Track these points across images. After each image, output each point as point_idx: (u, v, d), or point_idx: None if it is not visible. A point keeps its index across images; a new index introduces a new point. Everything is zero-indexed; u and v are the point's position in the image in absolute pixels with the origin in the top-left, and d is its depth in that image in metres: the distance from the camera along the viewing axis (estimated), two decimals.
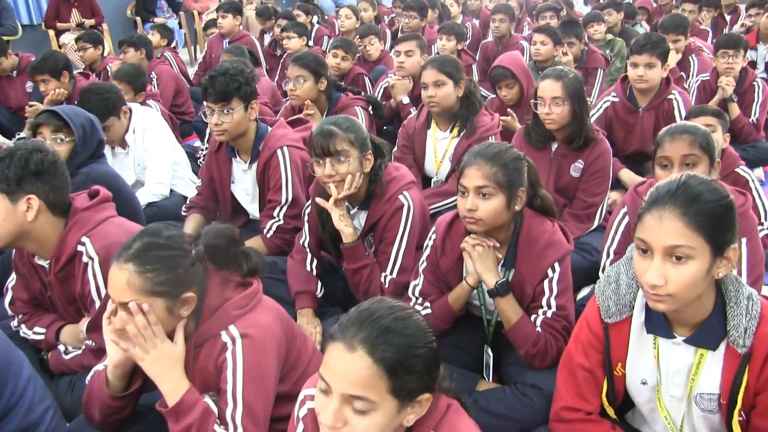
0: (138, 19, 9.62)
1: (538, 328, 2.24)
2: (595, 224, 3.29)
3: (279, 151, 3.13)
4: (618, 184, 3.87)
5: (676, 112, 3.89)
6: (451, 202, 3.37)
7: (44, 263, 2.40)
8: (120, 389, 1.87)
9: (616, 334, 1.82)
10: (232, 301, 1.86)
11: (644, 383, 1.82)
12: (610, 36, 6.45)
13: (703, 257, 1.53)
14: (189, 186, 4.09)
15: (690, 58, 5.44)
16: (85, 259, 2.28)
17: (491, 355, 2.46)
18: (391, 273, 2.64)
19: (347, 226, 2.61)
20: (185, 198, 3.90)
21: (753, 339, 1.61)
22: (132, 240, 1.78)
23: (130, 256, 1.72)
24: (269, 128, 3.26)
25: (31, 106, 4.94)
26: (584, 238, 3.20)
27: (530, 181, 2.30)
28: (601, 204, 3.31)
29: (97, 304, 2.30)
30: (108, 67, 6.09)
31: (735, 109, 4.55)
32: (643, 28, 7.48)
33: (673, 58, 5.09)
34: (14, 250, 2.55)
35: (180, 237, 1.83)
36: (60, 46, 8.29)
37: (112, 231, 2.35)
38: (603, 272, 2.44)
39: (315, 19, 7.88)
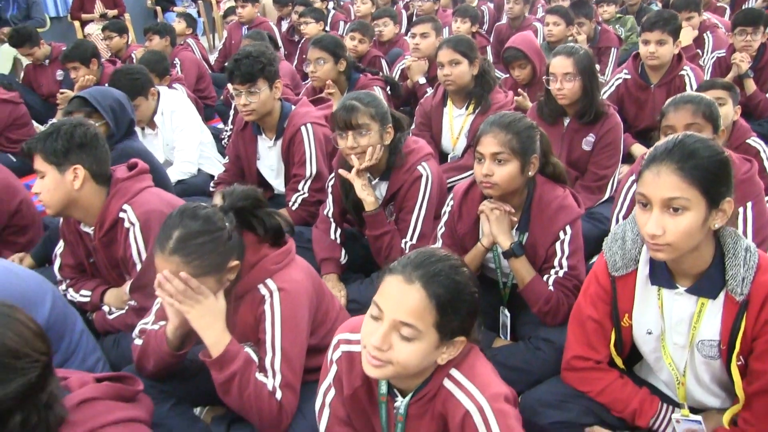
0: (158, 8, 9.78)
1: (551, 287, 2.37)
2: (606, 195, 3.41)
3: (303, 128, 3.27)
4: (630, 159, 3.96)
5: (687, 88, 3.97)
6: (468, 175, 3.49)
7: (89, 230, 2.57)
8: (177, 348, 1.99)
9: (623, 287, 1.95)
10: (269, 258, 2.00)
11: (649, 333, 1.94)
12: (618, 14, 6.52)
13: (699, 208, 1.65)
14: (215, 165, 4.24)
15: (705, 34, 5.49)
16: (126, 224, 2.45)
17: (508, 315, 2.60)
18: (410, 239, 2.78)
19: (369, 195, 2.74)
20: (211, 176, 4.06)
21: (750, 287, 1.73)
22: (170, 228, 1.87)
23: (173, 249, 1.83)
24: (293, 107, 3.40)
25: (62, 93, 5.12)
26: (596, 208, 3.33)
27: (542, 149, 2.42)
28: (612, 176, 3.43)
29: (138, 266, 2.46)
30: (133, 55, 6.28)
31: (751, 85, 4.55)
32: (657, 6, 7.54)
33: (689, 35, 5.16)
34: (61, 220, 2.72)
35: (213, 215, 1.92)
36: (85, 36, 8.47)
37: (150, 199, 2.52)
38: None
39: (331, 4, 8.02)
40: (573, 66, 3.28)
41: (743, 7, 6.50)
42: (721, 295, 1.79)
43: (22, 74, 6.74)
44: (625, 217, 2.76)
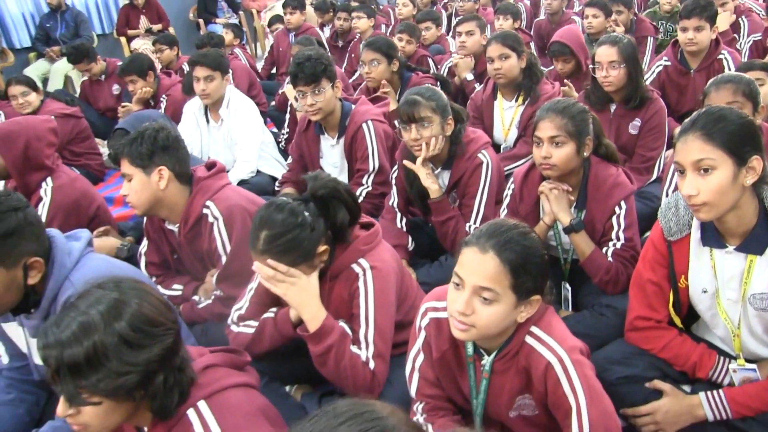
0: (201, 21, 10.11)
1: (610, 258, 2.57)
2: (654, 176, 3.59)
3: (364, 125, 3.50)
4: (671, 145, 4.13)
5: (726, 71, 4.10)
6: (522, 163, 3.69)
7: (173, 227, 2.79)
8: (291, 330, 2.20)
9: (678, 250, 2.15)
10: (360, 239, 2.21)
11: (704, 291, 2.13)
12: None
13: (726, 167, 1.85)
14: (275, 165, 4.47)
15: (740, 19, 5.62)
16: (210, 219, 2.66)
17: (569, 289, 2.80)
18: (474, 222, 2.99)
19: (433, 182, 2.96)
20: (271, 177, 4.30)
21: None
22: (257, 228, 2.06)
23: (263, 250, 2.04)
24: (353, 106, 3.63)
25: (123, 107, 5.42)
26: (645, 188, 3.50)
27: (595, 131, 2.62)
28: (658, 157, 3.61)
29: (224, 258, 2.68)
30: (184, 66, 6.58)
31: None
32: None
33: (726, 21, 5.29)
34: (145, 220, 2.96)
35: (296, 209, 2.07)
36: (131, 52, 8.82)
37: (231, 195, 2.74)
38: None
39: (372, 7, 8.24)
40: (618, 54, 3.47)
41: None
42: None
43: (78, 90, 7.05)
44: (674, 192, 2.95)
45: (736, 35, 5.53)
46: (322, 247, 2.11)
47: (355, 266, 2.19)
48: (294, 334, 2.17)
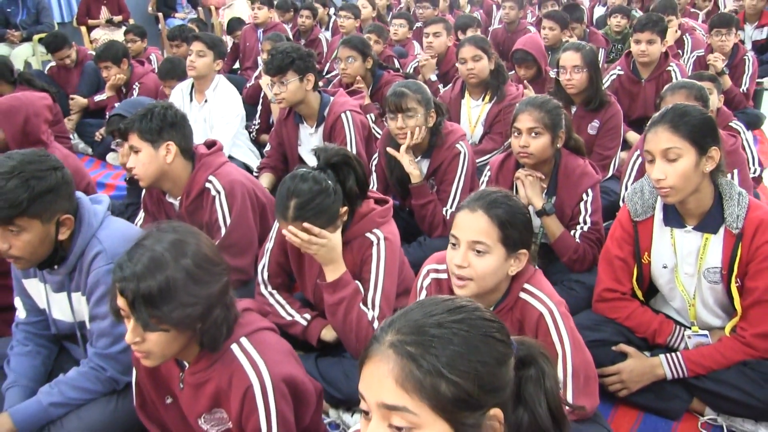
0: (160, 14, 10.15)
1: (578, 240, 2.85)
2: (610, 173, 3.91)
3: (343, 115, 3.71)
4: (625, 145, 4.46)
5: (674, 81, 4.48)
6: (487, 159, 3.94)
7: (174, 200, 2.95)
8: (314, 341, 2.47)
9: (643, 230, 2.44)
10: (377, 212, 2.42)
11: (665, 267, 2.42)
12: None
13: (690, 155, 2.16)
14: (247, 154, 4.64)
15: (684, 36, 6.06)
16: (213, 192, 2.83)
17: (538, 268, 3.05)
18: (450, 207, 3.23)
19: (415, 168, 3.20)
20: (244, 164, 4.44)
21: (743, 222, 2.23)
22: (285, 198, 2.24)
23: (294, 217, 2.22)
24: (331, 98, 3.84)
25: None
26: (602, 183, 3.79)
27: (567, 125, 2.90)
28: (614, 156, 3.93)
29: (223, 230, 2.85)
30: (152, 56, 6.70)
31: (727, 81, 5.10)
32: (637, 12, 8.07)
33: (672, 36, 5.69)
34: (144, 193, 3.12)
35: (318, 176, 2.26)
36: (92, 41, 8.82)
37: (231, 171, 2.93)
38: (623, 201, 3.05)
39: (332, 10, 8.46)
40: (581, 59, 3.77)
41: (718, 12, 7.11)
42: (721, 230, 2.28)
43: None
44: (633, 183, 3.25)
45: (680, 50, 5.95)
46: (343, 209, 2.32)
47: (369, 235, 2.40)
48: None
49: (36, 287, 2.38)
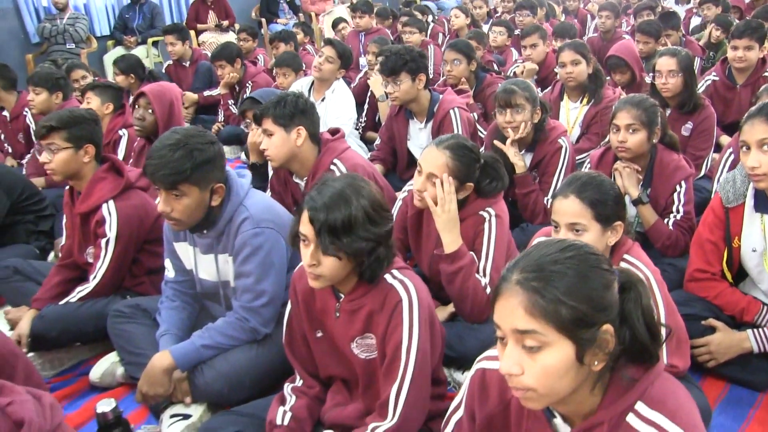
0: (263, 20, 10.72)
1: (670, 227, 3.09)
2: (702, 173, 4.11)
3: (452, 111, 4.04)
4: (718, 148, 4.61)
5: None
6: (583, 157, 4.18)
7: (300, 181, 3.31)
8: None
9: (734, 216, 2.66)
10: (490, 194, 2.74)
11: (754, 250, 2.64)
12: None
13: None
14: (357, 150, 4.95)
15: None
16: (337, 174, 3.11)
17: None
18: (552, 197, 3.50)
19: (520, 160, 3.49)
20: None
21: None
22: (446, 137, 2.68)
23: (446, 146, 2.60)
24: (440, 95, 4.17)
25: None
26: (695, 182, 4.00)
27: (662, 123, 3.15)
28: (706, 157, 4.13)
29: None
30: (259, 57, 7.22)
31: None
32: (700, 18, 8.09)
33: None
34: (271, 175, 3.50)
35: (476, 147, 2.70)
36: (199, 44, 9.43)
37: (354, 156, 3.26)
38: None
39: (430, 18, 8.81)
40: (676, 64, 3.98)
41: None
42: None
43: None
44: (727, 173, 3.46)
45: None
46: (470, 183, 2.65)
47: (483, 212, 2.70)
48: None
49: (185, 250, 2.76)
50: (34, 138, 5.12)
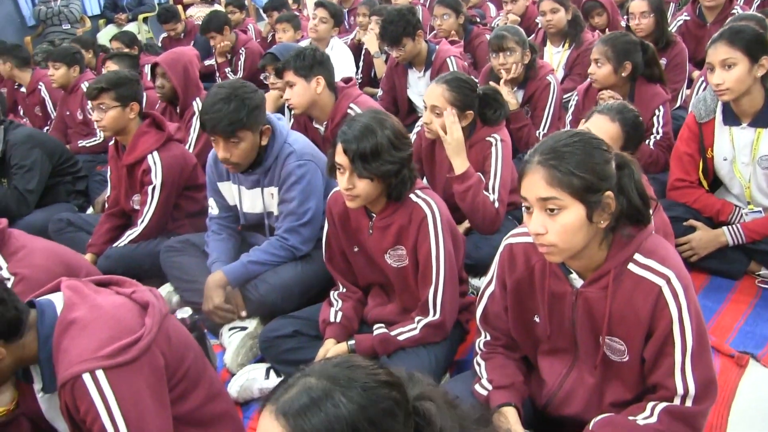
0: None
1: (652, 147, 3.47)
2: (678, 104, 4.48)
3: (448, 60, 4.39)
4: (691, 83, 5.00)
5: None
6: (568, 96, 4.53)
7: (319, 126, 3.63)
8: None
9: (706, 130, 3.05)
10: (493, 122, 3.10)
11: (725, 159, 3.03)
12: None
13: (743, 63, 2.74)
14: None
15: None
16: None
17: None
18: (543, 129, 3.89)
19: (513, 98, 3.85)
20: None
21: None
22: (444, 75, 3.02)
23: (444, 80, 2.95)
24: (436, 46, 4.52)
25: None
26: (672, 112, 4.38)
27: (647, 58, 3.51)
28: (680, 89, 4.50)
29: None
30: (249, 26, 7.47)
31: None
32: None
33: None
34: (291, 122, 3.82)
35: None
36: (186, 18, 9.63)
37: (367, 100, 3.58)
38: None
39: None
40: (648, 6, 4.36)
41: None
42: None
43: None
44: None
45: None
46: (470, 111, 3.00)
47: (489, 138, 3.05)
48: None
49: (228, 188, 3.11)
50: (49, 110, 5.45)
